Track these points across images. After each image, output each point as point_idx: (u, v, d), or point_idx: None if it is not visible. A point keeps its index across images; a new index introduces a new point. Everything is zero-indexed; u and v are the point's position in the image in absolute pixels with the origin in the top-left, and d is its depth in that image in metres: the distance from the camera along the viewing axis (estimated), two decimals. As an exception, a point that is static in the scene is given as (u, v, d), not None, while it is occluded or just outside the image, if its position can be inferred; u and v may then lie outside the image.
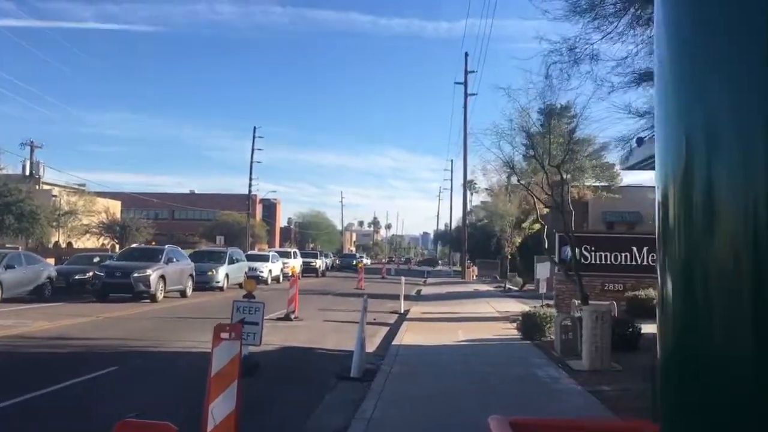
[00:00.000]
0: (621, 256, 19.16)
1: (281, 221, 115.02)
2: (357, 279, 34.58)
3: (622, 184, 59.75)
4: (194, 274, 25.23)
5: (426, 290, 34.75)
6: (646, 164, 12.60)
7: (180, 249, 27.30)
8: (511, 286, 34.87)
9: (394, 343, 12.74)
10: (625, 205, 43.45)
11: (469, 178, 51.81)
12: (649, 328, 11.86)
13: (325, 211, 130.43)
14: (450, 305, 23.01)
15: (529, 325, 13.19)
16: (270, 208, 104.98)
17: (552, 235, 17.35)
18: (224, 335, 5.34)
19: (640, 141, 11.49)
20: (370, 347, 12.92)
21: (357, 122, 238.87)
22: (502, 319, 17.84)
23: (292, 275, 19.50)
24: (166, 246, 25.91)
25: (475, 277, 50.15)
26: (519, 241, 40.46)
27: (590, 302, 13.08)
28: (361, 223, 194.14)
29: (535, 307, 21.35)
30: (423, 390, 8.14)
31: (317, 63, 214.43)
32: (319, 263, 47.08)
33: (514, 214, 37.42)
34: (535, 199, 14.93)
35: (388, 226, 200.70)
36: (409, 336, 13.74)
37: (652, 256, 18.90)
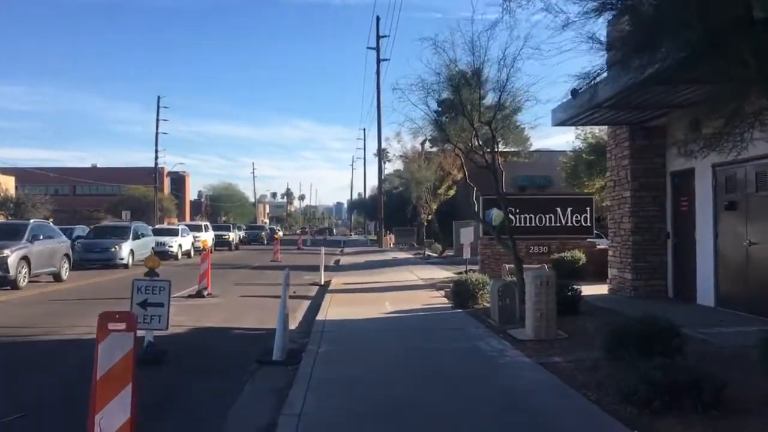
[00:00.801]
0: (545, 217, 18.81)
1: (191, 194, 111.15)
2: (273, 251, 33.22)
3: (531, 149, 60.56)
4: (71, 253, 21.68)
5: (344, 260, 33.82)
6: (581, 119, 11.98)
7: (51, 224, 23.27)
8: (430, 253, 34.45)
9: (318, 318, 11.72)
10: (536, 169, 43.87)
11: (382, 146, 51.01)
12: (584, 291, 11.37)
13: (237, 184, 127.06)
14: (371, 275, 22.17)
15: (461, 292, 12.47)
16: (178, 181, 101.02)
17: (477, 198, 16.68)
18: (113, 326, 4.16)
19: (574, 93, 10.75)
20: (293, 324, 11.83)
21: (266, 93, 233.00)
22: (428, 287, 17.13)
23: (204, 249, 17.99)
24: (31, 221, 21.67)
25: (392, 246, 49.67)
26: (435, 207, 40.09)
27: (524, 266, 12.48)
28: (274, 195, 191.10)
29: (460, 273, 20.81)
30: (359, 372, 7.18)
31: (224, 32, 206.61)
32: (233, 236, 45.28)
33: (432, 180, 36.88)
34: (462, 159, 14.12)
35: (302, 197, 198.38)
36: (334, 309, 12.75)
37: (576, 216, 18.63)
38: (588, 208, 18.84)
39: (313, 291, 17.86)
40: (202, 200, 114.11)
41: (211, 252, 20.00)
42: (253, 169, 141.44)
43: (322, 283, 19.43)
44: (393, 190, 60.93)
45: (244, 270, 25.53)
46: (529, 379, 6.64)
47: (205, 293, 15.87)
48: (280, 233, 72.43)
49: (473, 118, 12.07)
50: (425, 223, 43.13)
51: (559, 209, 18.75)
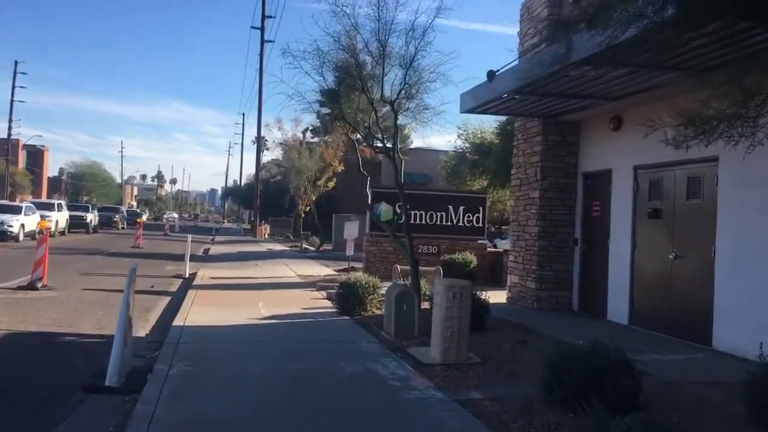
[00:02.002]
0: (437, 215, 17.55)
1: (52, 171, 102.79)
2: (135, 236, 30.05)
3: (412, 146, 60.33)
4: None
5: (215, 249, 31.24)
6: (493, 106, 10.63)
7: None
8: (307, 246, 32.60)
9: (176, 322, 9.62)
10: (416, 166, 43.23)
11: (262, 133, 48.47)
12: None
13: (103, 163, 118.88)
14: (244, 268, 20.03)
15: (348, 296, 10.78)
16: (36, 155, 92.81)
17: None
18: None
19: (491, 75, 9.41)
20: (144, 329, 9.73)
21: (140, 70, 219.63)
22: (307, 285, 15.33)
23: (41, 231, 15.12)
24: None
25: (267, 236, 47.32)
26: (314, 198, 38.28)
27: (418, 269, 11.01)
28: (144, 177, 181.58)
29: (342, 270, 19.17)
30: (218, 410, 5.30)
31: (96, 4, 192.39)
32: (91, 218, 41.07)
33: (313, 170, 35.05)
34: (357, 144, 12.45)
35: (174, 181, 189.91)
36: (196, 311, 10.68)
37: (468, 216, 17.50)
38: (481, 208, 17.77)
39: (176, 285, 15.57)
40: (63, 178, 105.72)
41: (50, 235, 17.06)
42: (122, 147, 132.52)
43: (187, 275, 17.14)
44: (271, 179, 58.43)
45: (97, 257, 22.52)
46: (449, 426, 5.04)
47: (40, 285, 13.20)
48: (144, 217, 67.32)
49: (374, 95, 10.44)
50: (303, 215, 41.19)
51: (451, 207, 17.54)
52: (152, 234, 41.55)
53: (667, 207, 9.18)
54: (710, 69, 6.94)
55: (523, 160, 11.95)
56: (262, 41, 47.06)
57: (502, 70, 9.48)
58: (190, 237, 18.36)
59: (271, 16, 46.75)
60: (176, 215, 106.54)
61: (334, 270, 19.50)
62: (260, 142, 48.79)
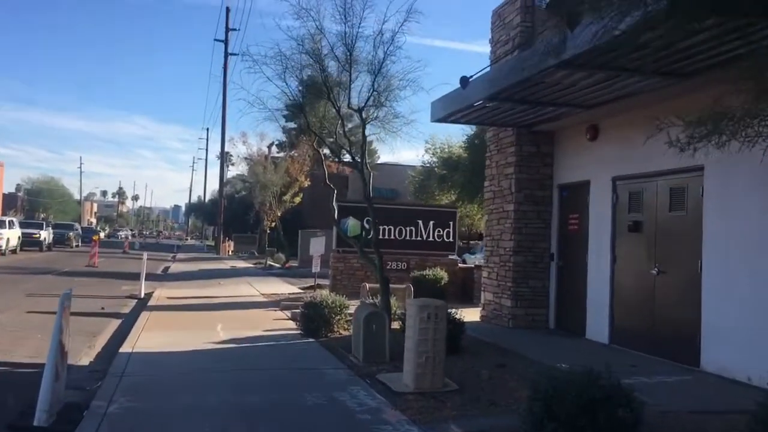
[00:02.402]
0: (406, 230, 16.97)
1: (9, 188, 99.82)
2: (90, 254, 28.84)
3: (379, 161, 59.87)
4: None
5: (175, 267, 30.21)
6: (465, 115, 10.10)
7: None
8: (272, 263, 31.72)
9: (123, 348, 8.82)
10: (383, 181, 42.78)
11: (226, 149, 47.54)
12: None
13: (61, 178, 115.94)
14: (204, 287, 19.16)
15: (314, 317, 10.08)
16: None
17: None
18: None
19: (464, 81, 8.88)
20: (87, 356, 8.92)
21: (100, 85, 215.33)
22: (271, 305, 14.58)
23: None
24: None
25: (231, 253, 46.25)
26: (280, 214, 37.44)
27: (390, 286, 10.40)
28: (104, 193, 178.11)
29: (307, 288, 18.41)
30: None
31: (53, 12, 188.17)
32: (45, 235, 39.59)
33: (279, 184, 34.25)
34: (322, 155, 11.82)
35: (136, 198, 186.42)
36: (147, 335, 9.88)
37: (439, 231, 16.96)
38: (451, 222, 17.24)
39: (130, 306, 14.68)
40: (19, 194, 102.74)
41: (2, 254, 16.01)
42: (81, 163, 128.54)
43: (142, 295, 16.22)
44: (235, 194, 57.37)
45: (48, 276, 21.38)
46: (426, 471, 4.41)
47: (-22, 308, 12.24)
48: (103, 234, 65.21)
49: (340, 103, 9.84)
50: (268, 231, 40.28)
51: (420, 222, 16.97)
52: (110, 252, 40.24)
53: (648, 219, 8.71)
54: (702, 70, 6.51)
55: (497, 172, 11.44)
56: (226, 54, 46.23)
57: (476, 76, 8.96)
58: (145, 255, 17.44)
59: (235, 29, 45.94)
60: (129, 232, 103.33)
61: (300, 288, 18.76)
62: (224, 157, 47.85)
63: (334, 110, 9.85)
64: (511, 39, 10.80)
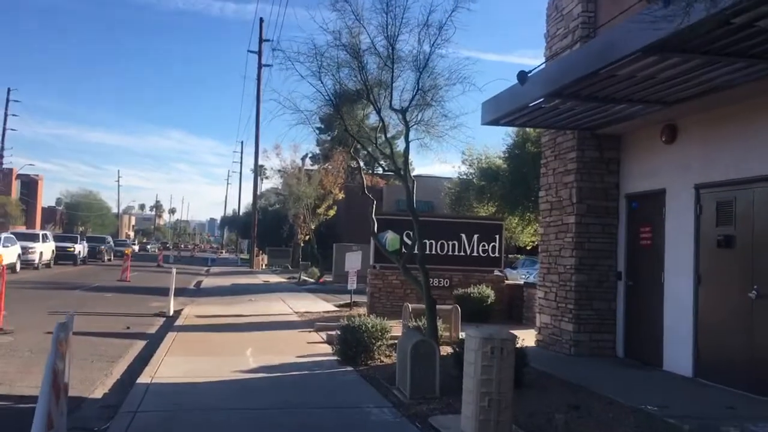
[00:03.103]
0: (448, 245, 15.84)
1: (49, 201, 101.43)
2: (122, 269, 28.28)
3: (414, 173, 58.19)
4: None
5: (208, 282, 29.52)
6: (524, 115, 8.98)
7: None
8: (306, 278, 30.82)
9: (142, 378, 7.88)
10: (418, 194, 41.51)
11: (260, 162, 46.98)
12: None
13: (99, 192, 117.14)
14: (236, 303, 18.28)
15: (352, 342, 9.05)
16: (30, 185, 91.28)
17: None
18: None
19: (522, 76, 7.79)
20: (103, 386, 8.03)
21: (138, 101, 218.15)
22: (304, 325, 13.58)
23: None
24: None
25: (264, 267, 45.60)
26: (314, 227, 36.57)
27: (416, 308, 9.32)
28: (142, 207, 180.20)
29: (343, 306, 17.40)
30: None
31: (92, 33, 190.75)
32: (80, 249, 39.36)
33: (312, 196, 33.41)
34: (361, 163, 10.83)
35: (172, 211, 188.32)
36: (170, 362, 8.95)
37: (483, 245, 15.82)
38: (497, 236, 16.07)
39: (157, 325, 13.84)
40: (59, 208, 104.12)
41: (35, 268, 15.34)
42: (119, 177, 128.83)
43: (171, 313, 15.38)
44: (269, 207, 56.83)
45: (76, 292, 20.74)
46: None
47: (-6, 328, 11.48)
48: (135, 247, 65.00)
49: (381, 104, 8.84)
50: (302, 244, 39.49)
51: (464, 235, 15.84)
52: (144, 266, 39.80)
53: (743, 233, 7.47)
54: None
55: (554, 181, 10.30)
56: (260, 65, 45.77)
57: (535, 70, 7.88)
58: (174, 270, 16.61)
59: (268, 40, 45.40)
60: (157, 244, 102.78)
61: (335, 306, 17.75)
62: (257, 168, 47.31)
63: (373, 112, 8.84)
64: (570, 32, 9.69)
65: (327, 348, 10.40)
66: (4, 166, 66.39)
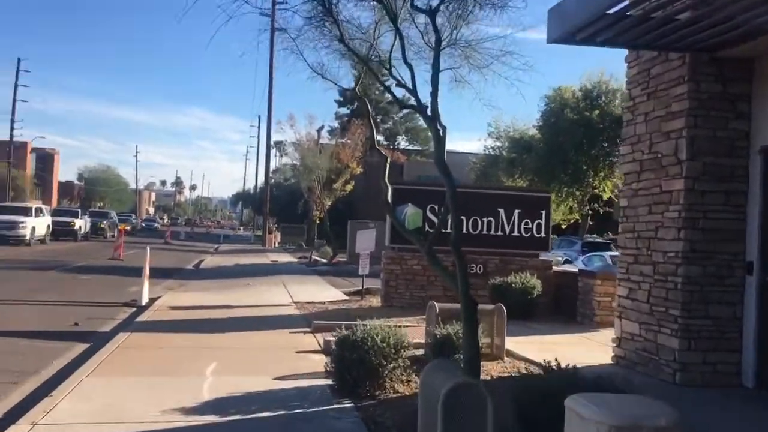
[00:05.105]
0: (482, 222, 12.75)
1: (67, 176, 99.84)
2: (114, 246, 25.61)
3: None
4: None
5: (211, 261, 26.82)
6: (610, 26, 5.85)
7: None
8: (317, 257, 27.98)
9: (29, 417, 5.04)
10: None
11: (275, 136, 44.07)
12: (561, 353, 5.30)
13: (117, 168, 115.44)
14: (229, 289, 15.46)
15: (352, 363, 6.09)
16: (46, 160, 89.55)
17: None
18: None
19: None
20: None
21: (159, 77, 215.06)
22: (301, 321, 10.68)
23: None
24: None
25: (277, 245, 42.91)
26: (329, 203, 33.59)
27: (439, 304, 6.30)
28: (163, 183, 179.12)
29: (353, 295, 14.40)
30: None
31: (107, 7, 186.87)
32: (80, 224, 36.83)
33: (325, 168, 30.42)
34: (373, 123, 7.76)
35: (193, 187, 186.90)
36: (87, 388, 6.10)
37: (527, 222, 12.77)
38: (543, 212, 12.94)
39: (117, 320, 11.03)
40: (77, 183, 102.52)
41: (27, 244, 12.61)
42: (137, 152, 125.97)
43: (143, 302, 12.55)
44: (284, 182, 53.99)
45: (51, 273, 18.05)
46: None
47: None
48: (136, 223, 61.88)
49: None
50: (317, 221, 36.57)
51: (502, 211, 12.73)
52: (150, 242, 37.11)
53: None
54: None
55: (647, 130, 7.15)
56: (272, 30, 42.55)
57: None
58: (148, 249, 13.75)
59: (282, 1, 42.10)
60: (161, 220, 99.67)
61: (344, 292, 14.84)
62: (269, 139, 44.47)
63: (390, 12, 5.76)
64: None
65: (321, 362, 7.41)
66: (15, 139, 63.99)
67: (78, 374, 6.68)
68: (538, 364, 7.24)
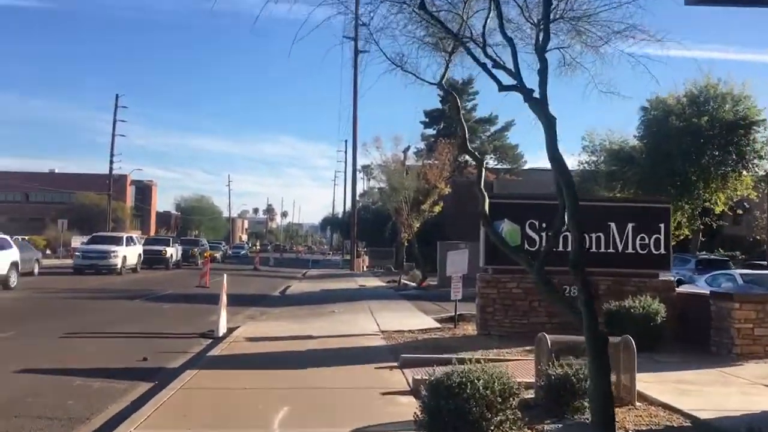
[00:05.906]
0: (591, 238, 11.19)
1: (164, 207, 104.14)
2: (200, 274, 25.33)
3: (525, 167, 53.09)
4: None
5: (298, 287, 26.16)
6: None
7: None
8: (407, 281, 26.81)
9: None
10: (530, 188, 36.70)
11: (361, 160, 43.47)
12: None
13: (211, 197, 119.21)
14: (312, 317, 14.50)
15: (448, 416, 4.82)
16: (144, 191, 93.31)
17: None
18: None
19: None
20: None
21: (247, 108, 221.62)
22: (388, 354, 9.49)
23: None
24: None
25: (365, 269, 42.07)
26: (417, 225, 32.43)
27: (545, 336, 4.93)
28: (255, 211, 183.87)
29: (445, 322, 13.08)
30: None
31: (198, 43, 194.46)
32: (171, 252, 37.24)
33: (412, 188, 29.32)
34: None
35: (284, 214, 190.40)
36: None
37: (643, 237, 11.12)
38: (662, 225, 11.25)
39: (192, 353, 10.18)
40: (174, 213, 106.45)
41: (118, 273, 12.35)
42: (229, 181, 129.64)
43: (221, 333, 11.71)
44: (372, 205, 53.42)
45: (135, 302, 17.69)
46: None
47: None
48: (225, 250, 62.21)
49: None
50: (405, 243, 35.48)
51: (613, 225, 11.14)
52: (239, 269, 37.10)
53: None
54: None
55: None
56: (356, 53, 42.18)
57: None
58: (225, 277, 12.94)
59: (364, 24, 41.73)
60: (249, 245, 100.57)
61: (435, 319, 13.58)
62: (355, 161, 43.83)
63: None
64: None
65: (410, 407, 6.13)
66: (114, 172, 66.46)
67: (127, 424, 5.73)
68: (685, 414, 5.73)
